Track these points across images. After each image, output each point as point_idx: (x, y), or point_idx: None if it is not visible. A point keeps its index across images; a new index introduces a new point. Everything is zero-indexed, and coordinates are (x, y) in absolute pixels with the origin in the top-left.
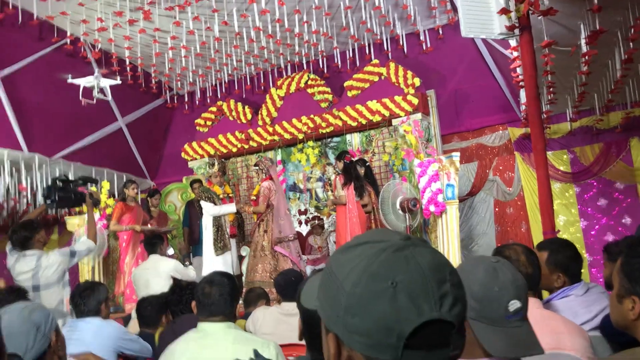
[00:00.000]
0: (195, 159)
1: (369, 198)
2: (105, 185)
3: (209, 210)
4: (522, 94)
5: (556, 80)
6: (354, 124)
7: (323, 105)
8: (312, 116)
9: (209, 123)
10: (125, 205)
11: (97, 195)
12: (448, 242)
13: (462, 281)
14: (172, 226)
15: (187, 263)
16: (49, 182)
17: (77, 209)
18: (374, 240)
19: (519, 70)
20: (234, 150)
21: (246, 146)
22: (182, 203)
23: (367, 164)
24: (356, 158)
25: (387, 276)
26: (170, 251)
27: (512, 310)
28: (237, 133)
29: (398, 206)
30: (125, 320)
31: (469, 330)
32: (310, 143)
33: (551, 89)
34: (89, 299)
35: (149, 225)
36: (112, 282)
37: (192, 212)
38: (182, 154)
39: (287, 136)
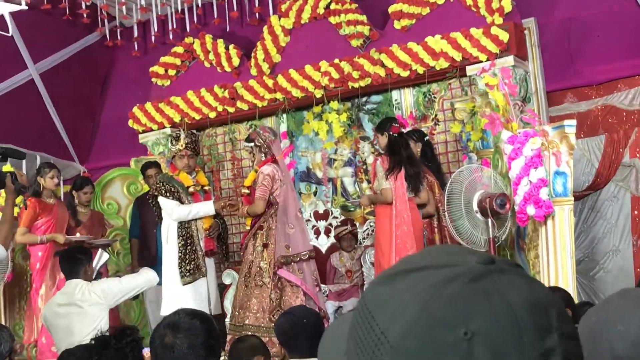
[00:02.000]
0: (151, 129)
1: (429, 193)
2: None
3: (172, 213)
4: None
5: None
6: (405, 73)
7: (355, 43)
8: (337, 61)
9: (172, 72)
10: (40, 202)
11: (23, 179)
12: (556, 265)
13: (608, 317)
14: (113, 237)
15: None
16: None
17: None
18: (436, 263)
19: None
20: (212, 115)
21: (231, 109)
22: (129, 200)
23: (427, 138)
24: (408, 129)
25: (456, 322)
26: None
27: None
28: (216, 88)
29: (476, 207)
30: None
31: None
32: (334, 105)
33: None
34: None
35: (77, 235)
36: (19, 324)
37: (145, 214)
38: (130, 122)
39: (296, 93)
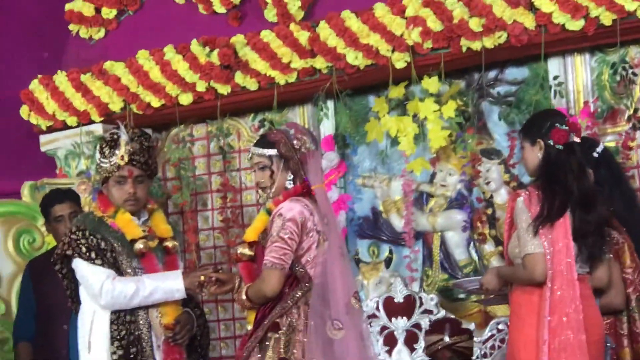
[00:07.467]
0: (64, 125)
1: (614, 267)
2: None
3: (100, 292)
4: None
5: None
6: (576, 24)
7: None
8: None
9: (108, 14)
10: None
11: None
12: None
13: None
14: None
15: None
16: None
17: None
18: None
19: None
20: (186, 100)
21: (224, 89)
22: (17, 266)
23: (596, 150)
24: (582, 135)
25: None
26: None
27: None
28: (195, 47)
29: None
30: None
31: None
32: (432, 84)
33: None
34: None
35: None
36: None
37: (48, 294)
38: (23, 111)
39: (355, 59)
